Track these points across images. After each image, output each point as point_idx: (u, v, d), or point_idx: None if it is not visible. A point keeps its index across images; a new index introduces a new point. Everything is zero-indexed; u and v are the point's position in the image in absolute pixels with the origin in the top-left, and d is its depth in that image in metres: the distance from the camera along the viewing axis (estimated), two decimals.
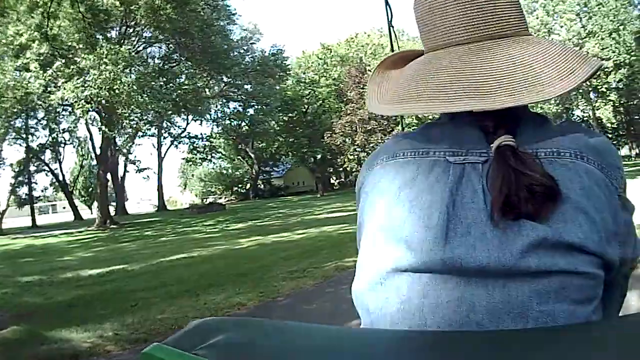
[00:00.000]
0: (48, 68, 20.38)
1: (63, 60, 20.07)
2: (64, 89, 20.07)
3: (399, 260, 0.67)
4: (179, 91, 26.86)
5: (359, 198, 0.80)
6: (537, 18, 38.09)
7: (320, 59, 44.21)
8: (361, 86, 26.97)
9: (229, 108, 41.17)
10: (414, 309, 0.65)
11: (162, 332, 4.66)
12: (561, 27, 36.95)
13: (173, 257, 11.30)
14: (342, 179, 56.26)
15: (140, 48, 29.71)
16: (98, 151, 26.03)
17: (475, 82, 0.67)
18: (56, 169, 34.41)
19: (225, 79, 35.34)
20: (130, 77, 22.15)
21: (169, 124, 38.38)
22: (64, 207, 67.80)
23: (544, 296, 0.61)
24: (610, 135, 47.10)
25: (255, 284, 6.80)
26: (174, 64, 30.57)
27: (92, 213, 53.24)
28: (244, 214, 27.34)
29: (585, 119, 41.32)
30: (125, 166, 42.06)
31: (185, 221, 25.27)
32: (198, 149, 39.22)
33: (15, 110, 23.19)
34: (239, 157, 54.28)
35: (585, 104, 37.84)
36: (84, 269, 10.34)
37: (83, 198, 71.84)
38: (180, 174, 79.74)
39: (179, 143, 40.35)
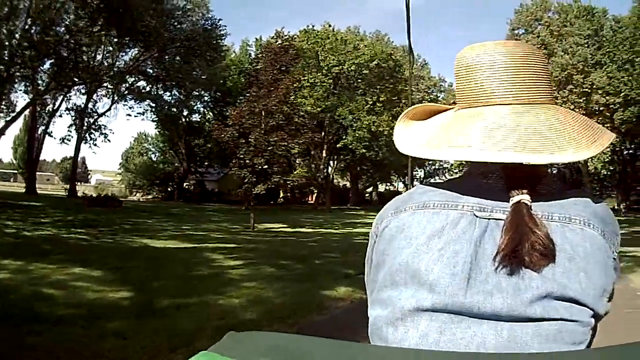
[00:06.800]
0: None
1: None
2: None
3: (422, 300, 0.75)
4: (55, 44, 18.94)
5: (379, 239, 0.87)
6: (538, 37, 31.65)
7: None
8: (278, 66, 19.35)
9: (144, 85, 32.99)
10: (431, 343, 0.73)
11: None
12: (563, 51, 30.41)
13: None
14: (289, 194, 48.68)
15: None
16: None
17: (525, 138, 0.75)
18: None
19: (137, 49, 27.39)
20: None
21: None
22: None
23: (544, 338, 0.71)
24: (595, 186, 40.93)
25: None
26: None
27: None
28: (111, 217, 19.43)
29: (571, 164, 34.80)
30: (42, 142, 34.92)
31: (26, 214, 17.17)
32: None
33: None
34: (172, 151, 46.31)
35: None
36: None
37: (20, 170, 62.29)
38: (122, 161, 70.96)
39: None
